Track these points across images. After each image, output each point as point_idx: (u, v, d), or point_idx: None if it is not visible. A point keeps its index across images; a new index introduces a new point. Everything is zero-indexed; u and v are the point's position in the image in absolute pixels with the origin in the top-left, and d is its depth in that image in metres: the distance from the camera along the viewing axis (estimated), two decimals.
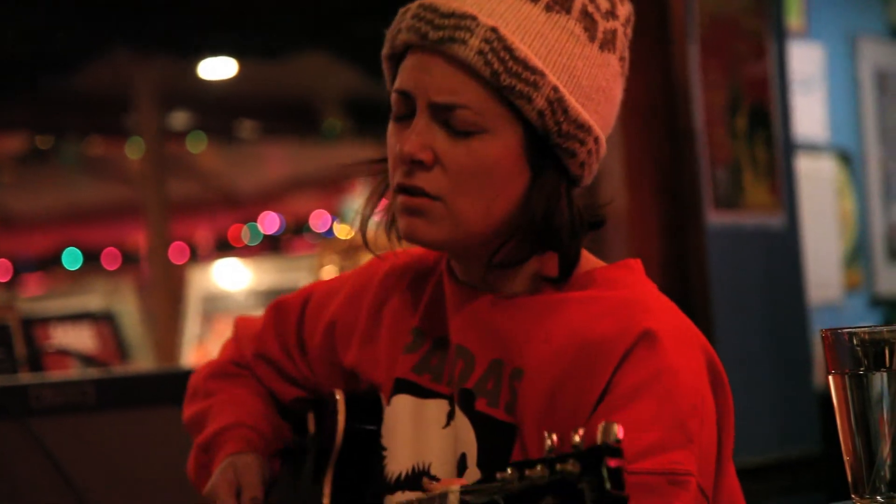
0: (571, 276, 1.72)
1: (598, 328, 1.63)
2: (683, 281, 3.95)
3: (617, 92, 1.75)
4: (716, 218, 4.03)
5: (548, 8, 1.68)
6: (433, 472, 1.72)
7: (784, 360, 4.17)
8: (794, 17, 5.61)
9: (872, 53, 6.10)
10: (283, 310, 1.98)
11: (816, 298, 5.12)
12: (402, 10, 1.72)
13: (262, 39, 6.04)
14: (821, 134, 5.81)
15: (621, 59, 1.75)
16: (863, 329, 1.48)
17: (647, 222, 3.97)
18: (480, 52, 1.64)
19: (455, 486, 1.36)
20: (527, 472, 1.28)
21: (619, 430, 1.23)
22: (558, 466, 1.25)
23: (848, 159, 5.97)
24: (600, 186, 3.89)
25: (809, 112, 5.68)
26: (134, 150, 8.33)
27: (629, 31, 1.77)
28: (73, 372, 3.55)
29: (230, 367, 2.01)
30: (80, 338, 5.59)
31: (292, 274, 6.03)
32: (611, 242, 3.84)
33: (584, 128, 1.68)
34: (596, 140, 1.70)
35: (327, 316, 1.91)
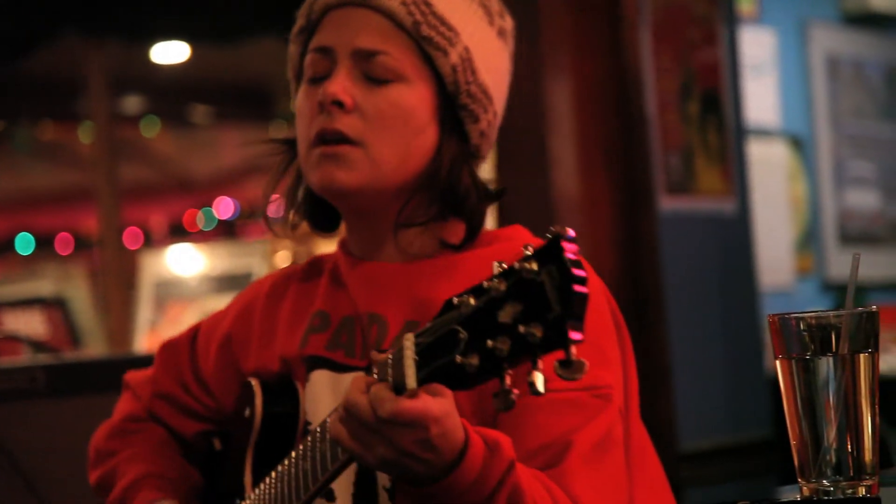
0: (473, 241, 1.78)
1: None
2: (636, 266, 3.96)
3: (507, 81, 1.86)
4: (668, 203, 4.04)
5: None
6: None
7: (735, 345, 4.19)
8: (746, 3, 5.63)
9: (824, 39, 6.13)
10: (173, 347, 2.00)
11: (768, 283, 5.15)
12: None
13: (214, 23, 6.01)
14: (772, 119, 5.84)
15: (511, 56, 1.86)
16: (809, 314, 1.49)
17: (599, 208, 3.98)
18: (403, 3, 1.74)
19: (409, 335, 1.38)
20: (485, 285, 1.30)
21: (568, 230, 1.27)
22: (517, 266, 1.28)
23: (799, 145, 6.00)
24: (552, 172, 3.89)
25: (761, 98, 5.71)
26: (86, 135, 8.27)
27: (511, 43, 1.87)
28: (23, 358, 3.53)
29: (128, 425, 2.00)
30: (30, 323, 5.56)
31: (246, 259, 6.02)
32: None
33: (487, 95, 1.79)
34: (495, 114, 1.82)
35: (219, 336, 1.94)
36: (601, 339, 1.68)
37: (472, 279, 1.67)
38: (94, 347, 5.98)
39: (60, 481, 2.56)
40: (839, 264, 6.06)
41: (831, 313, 1.48)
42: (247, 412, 1.84)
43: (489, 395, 1.62)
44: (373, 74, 1.74)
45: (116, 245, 6.53)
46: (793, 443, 1.49)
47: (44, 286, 6.27)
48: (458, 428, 1.44)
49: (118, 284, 6.34)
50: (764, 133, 5.72)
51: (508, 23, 1.85)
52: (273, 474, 1.73)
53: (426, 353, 1.37)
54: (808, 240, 6.03)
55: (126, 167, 7.91)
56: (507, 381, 1.32)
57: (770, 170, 5.71)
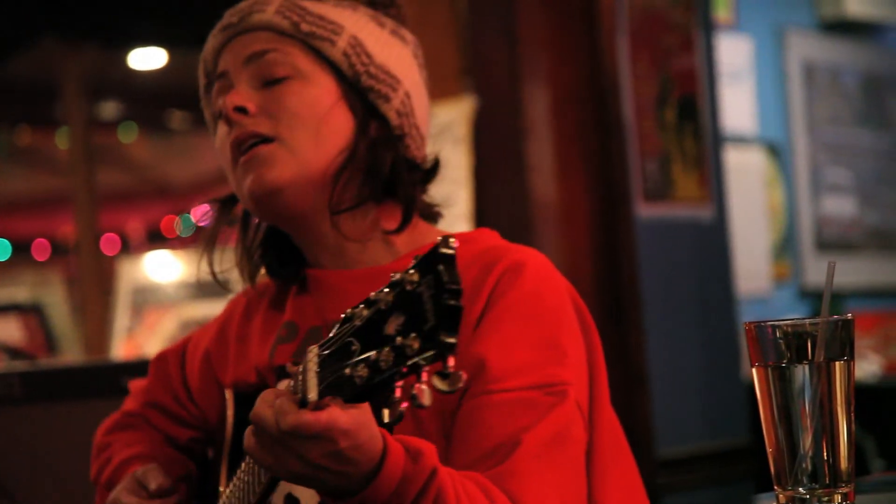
0: (417, 235, 1.81)
1: (467, 276, 1.67)
2: (613, 273, 3.96)
3: (416, 71, 1.87)
4: (645, 210, 4.05)
5: (337, 3, 1.85)
6: None
7: (713, 352, 4.20)
8: (723, 10, 5.65)
9: (800, 46, 6.15)
10: (166, 359, 2.04)
11: (745, 290, 5.16)
12: (207, 41, 1.88)
13: (192, 30, 6.00)
14: (749, 126, 5.85)
15: (415, 59, 1.88)
16: (786, 322, 1.49)
17: (576, 214, 3.98)
18: (278, 12, 1.80)
19: (313, 346, 1.40)
20: (373, 297, 1.32)
21: (453, 241, 1.28)
22: (398, 278, 1.30)
23: (776, 152, 6.01)
24: (529, 177, 3.90)
25: (738, 104, 5.72)
26: (64, 140, 8.25)
27: (419, 53, 1.91)
28: None
29: (125, 419, 2.04)
30: (6, 330, 5.54)
31: (224, 265, 6.00)
32: (540, 234, 3.85)
33: (390, 74, 1.82)
34: (407, 94, 1.83)
35: (200, 352, 1.97)
36: (558, 335, 1.68)
37: None
38: (71, 354, 5.97)
39: (36, 488, 2.56)
40: (816, 271, 6.08)
41: (807, 321, 1.48)
42: (222, 422, 1.85)
43: (449, 412, 1.63)
44: (268, 76, 1.78)
45: (93, 251, 6.51)
46: (769, 450, 1.50)
47: (20, 292, 6.25)
48: (375, 438, 1.43)
49: (95, 291, 6.32)
50: (741, 140, 5.73)
51: (408, 35, 1.90)
52: (230, 486, 1.74)
53: (326, 364, 1.37)
54: (785, 247, 6.05)
55: (103, 173, 7.89)
56: (398, 392, 1.32)
57: (747, 177, 5.72)
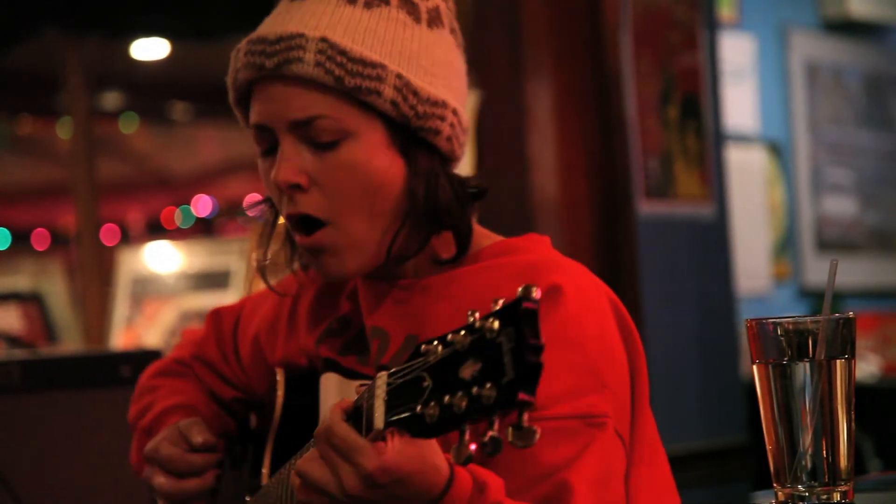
0: (469, 250, 1.76)
1: (505, 291, 1.65)
2: (614, 270, 3.96)
3: (459, 63, 1.80)
4: (647, 207, 4.05)
5: (367, 5, 1.73)
6: None
7: (712, 350, 4.20)
8: (726, 8, 5.65)
9: (803, 45, 6.15)
10: (221, 317, 2.03)
11: (745, 289, 5.16)
12: (233, 53, 1.78)
13: (194, 21, 5.99)
14: (751, 125, 5.85)
15: (452, 31, 1.80)
16: (787, 319, 1.49)
17: (578, 211, 3.98)
18: (318, 64, 1.68)
19: (382, 373, 1.39)
20: (449, 338, 1.31)
21: (536, 291, 1.26)
22: (477, 325, 1.28)
23: (778, 150, 6.01)
24: (532, 174, 3.90)
25: (740, 103, 5.72)
26: (65, 130, 8.24)
27: (451, 4, 1.82)
28: None
29: (173, 366, 2.03)
30: (6, 318, 5.54)
31: (224, 257, 6.01)
32: (542, 231, 3.84)
33: (438, 104, 1.73)
34: (454, 112, 1.75)
35: (252, 330, 1.96)
36: (598, 363, 1.65)
37: (470, 296, 1.69)
38: (71, 343, 5.96)
39: (35, 477, 2.56)
40: (816, 271, 6.08)
41: (808, 319, 1.48)
42: (271, 401, 1.86)
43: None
44: (317, 140, 1.69)
45: (94, 241, 6.51)
46: (769, 448, 1.50)
47: (20, 281, 6.25)
48: (440, 468, 1.44)
49: (95, 281, 6.32)
50: (743, 138, 5.73)
51: (445, 16, 1.80)
52: (273, 478, 1.74)
53: (395, 394, 1.37)
54: (786, 246, 6.05)
55: (104, 163, 7.89)
56: (466, 435, 1.32)
57: (748, 175, 5.72)
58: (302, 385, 1.83)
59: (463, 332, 1.30)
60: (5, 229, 11.29)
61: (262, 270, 1.85)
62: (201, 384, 2.00)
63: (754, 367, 1.51)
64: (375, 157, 1.70)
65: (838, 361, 1.47)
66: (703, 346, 4.17)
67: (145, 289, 6.06)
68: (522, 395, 1.25)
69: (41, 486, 2.54)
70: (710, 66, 4.31)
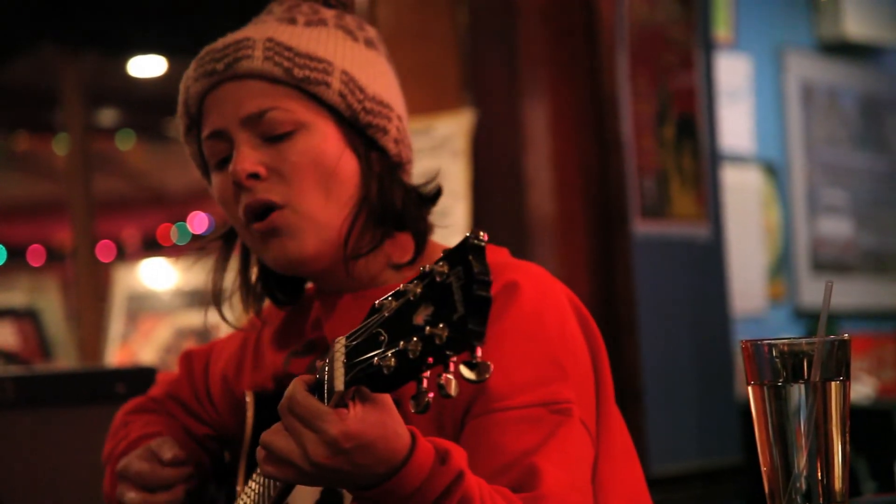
0: (423, 256, 1.80)
1: None
2: (609, 289, 3.96)
3: (396, 83, 1.86)
4: (642, 227, 4.05)
5: (307, 24, 1.80)
6: None
7: (707, 371, 4.20)
8: (723, 29, 5.66)
9: (799, 66, 6.16)
10: (192, 358, 2.05)
11: (740, 309, 5.16)
12: (182, 83, 1.85)
13: (191, 38, 6.01)
14: (747, 145, 5.86)
15: (387, 59, 1.87)
16: (782, 341, 1.50)
17: (574, 230, 3.98)
18: (267, 59, 1.76)
19: (340, 338, 1.41)
20: (402, 288, 1.33)
21: (483, 234, 1.30)
22: (427, 269, 1.31)
23: (773, 171, 6.02)
24: (528, 193, 3.90)
25: (736, 123, 5.73)
26: (61, 147, 8.25)
27: (383, 47, 1.89)
28: None
29: (148, 403, 2.06)
30: (1, 334, 5.54)
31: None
32: (538, 250, 3.85)
33: (384, 104, 1.80)
34: (399, 118, 1.82)
35: (219, 368, 1.98)
36: (559, 354, 1.68)
37: None
38: (65, 359, 5.96)
39: (29, 493, 2.55)
40: (811, 292, 6.08)
41: (804, 340, 1.49)
42: (241, 423, 1.87)
43: (448, 415, 1.63)
44: (271, 133, 1.75)
45: (89, 258, 6.51)
46: (763, 469, 1.50)
47: (15, 297, 6.25)
48: (401, 435, 1.45)
49: (90, 297, 6.32)
50: (738, 159, 5.74)
51: (371, 32, 1.87)
52: (246, 489, 1.74)
53: (353, 354, 1.39)
54: (781, 267, 6.05)
55: (100, 180, 7.89)
56: (424, 383, 1.34)
57: (744, 196, 5.73)
58: (271, 405, 1.84)
59: (415, 281, 1.33)
60: (1, 245, 11.29)
61: (216, 301, 1.88)
62: (174, 420, 2.01)
63: (749, 389, 1.51)
64: (329, 149, 1.75)
65: (833, 383, 1.47)
66: (698, 367, 4.17)
67: (140, 305, 6.05)
68: (473, 327, 1.27)
69: (34, 502, 2.54)
70: (706, 86, 4.32)
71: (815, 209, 6.23)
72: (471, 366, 1.30)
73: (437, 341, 1.29)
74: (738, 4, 5.82)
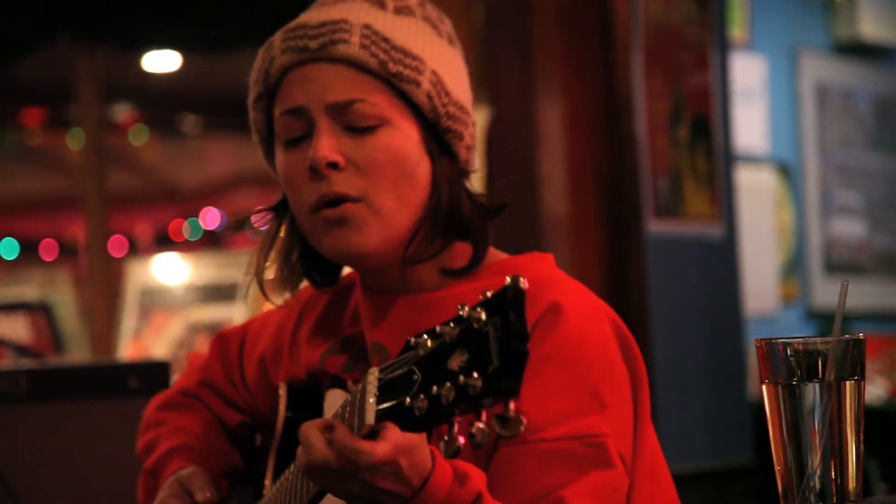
0: (480, 265, 1.76)
1: None
2: (622, 288, 3.96)
3: (469, 82, 1.83)
4: (655, 226, 4.05)
5: (397, 11, 1.76)
6: None
7: (719, 370, 4.20)
8: (738, 29, 5.65)
9: (814, 67, 6.15)
10: (227, 340, 2.02)
11: (753, 310, 5.16)
12: (264, 47, 1.78)
13: (206, 34, 6.01)
14: (761, 146, 5.85)
15: (463, 57, 1.83)
16: (797, 340, 1.49)
17: (587, 229, 3.98)
18: (363, 46, 1.71)
19: (374, 369, 1.41)
20: (438, 330, 1.32)
21: (523, 281, 1.28)
22: (465, 315, 1.30)
23: (787, 172, 6.02)
24: (541, 192, 3.90)
25: (750, 124, 5.72)
26: (75, 141, 8.26)
27: (459, 42, 1.85)
28: (7, 362, 3.52)
29: (178, 398, 2.02)
30: (14, 328, 5.55)
31: (231, 270, 6.01)
32: (551, 248, 3.85)
33: (464, 109, 1.77)
34: (474, 124, 1.79)
35: (257, 352, 1.96)
36: (598, 383, 1.65)
37: None
38: (78, 353, 5.97)
39: (40, 486, 2.56)
40: (824, 293, 6.07)
41: (818, 339, 1.48)
42: (273, 416, 1.87)
43: (483, 452, 1.62)
44: (354, 124, 1.71)
45: (102, 252, 6.52)
46: (777, 468, 1.50)
47: (29, 291, 6.26)
48: (427, 457, 1.45)
49: (103, 292, 6.34)
50: (752, 159, 5.73)
51: (449, 25, 1.83)
52: (276, 485, 1.74)
53: (385, 390, 1.38)
54: (794, 267, 6.04)
55: (114, 175, 7.90)
56: (455, 428, 1.33)
57: (757, 196, 5.72)
58: (304, 399, 1.83)
59: (452, 324, 1.32)
60: (14, 239, 11.31)
61: (260, 282, 1.85)
62: (206, 415, 1.99)
63: (763, 387, 1.51)
64: (408, 149, 1.72)
65: (848, 383, 1.47)
66: (710, 367, 4.17)
67: (153, 300, 6.06)
68: (508, 381, 1.27)
69: (47, 496, 2.54)
70: (720, 86, 4.31)
71: (829, 210, 6.22)
72: (503, 420, 1.30)
73: (471, 392, 1.28)
74: (753, 5, 5.82)
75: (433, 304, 1.74)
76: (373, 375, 1.40)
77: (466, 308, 1.31)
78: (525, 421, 1.31)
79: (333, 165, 1.69)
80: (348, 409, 1.45)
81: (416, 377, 1.34)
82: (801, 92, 6.11)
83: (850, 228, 6.33)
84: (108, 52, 6.44)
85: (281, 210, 1.84)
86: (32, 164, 10.05)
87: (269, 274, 1.86)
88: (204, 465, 1.91)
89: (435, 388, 1.31)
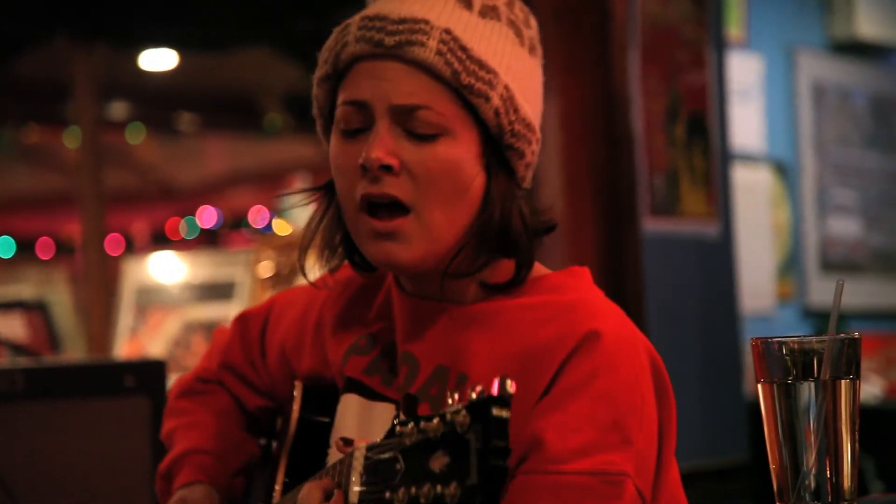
0: (522, 284, 1.72)
1: (543, 333, 1.64)
2: (619, 287, 3.96)
3: (542, 93, 1.80)
4: (652, 225, 4.05)
5: (482, 14, 1.71)
6: None
7: (715, 369, 4.20)
8: (734, 28, 5.65)
9: (810, 66, 6.16)
10: (248, 322, 2.00)
11: (749, 308, 5.16)
12: (340, 28, 1.73)
13: (203, 32, 6.01)
14: (757, 144, 5.85)
15: (542, 65, 1.80)
16: (792, 339, 1.50)
17: (584, 228, 3.98)
18: (439, 53, 1.65)
19: (362, 444, 1.41)
20: (422, 425, 1.31)
21: (511, 385, 1.26)
22: (449, 417, 1.28)
23: (784, 171, 6.02)
24: (538, 191, 3.90)
25: (747, 122, 5.73)
26: (72, 140, 8.26)
27: (540, 48, 1.82)
28: (3, 361, 3.52)
29: (196, 385, 2.01)
30: (11, 326, 5.55)
31: (228, 268, 6.00)
32: (547, 247, 3.84)
33: (530, 127, 1.73)
34: (538, 141, 1.75)
35: (279, 336, 1.93)
36: (624, 418, 1.61)
37: (510, 332, 1.66)
38: (74, 352, 5.97)
39: (36, 485, 2.56)
40: (820, 291, 6.08)
41: (814, 338, 1.48)
42: (287, 414, 1.86)
43: None
44: (415, 130, 1.65)
45: (98, 251, 6.52)
46: (772, 467, 1.50)
47: (25, 289, 6.26)
48: None
49: (99, 290, 6.33)
50: (749, 158, 5.74)
51: (534, 29, 1.80)
52: (285, 498, 1.74)
53: (371, 470, 1.38)
54: (790, 266, 6.05)
55: (110, 173, 7.90)
56: None
57: (754, 195, 5.73)
58: (319, 401, 1.83)
59: (436, 420, 1.30)
60: (10, 238, 11.31)
61: (301, 263, 1.81)
62: (224, 403, 1.98)
63: (759, 386, 1.51)
64: (466, 163, 1.67)
65: (843, 381, 1.47)
66: (707, 365, 4.17)
67: (149, 299, 6.06)
68: (483, 500, 1.26)
69: (43, 494, 2.54)
70: (717, 85, 4.31)
71: (825, 209, 6.23)
72: None
73: (448, 501, 1.27)
74: (750, 4, 5.82)
75: (473, 318, 1.71)
76: (360, 452, 1.40)
77: (451, 405, 1.30)
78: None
79: (387, 168, 1.65)
80: (337, 476, 1.45)
81: (399, 466, 1.33)
82: (797, 91, 6.11)
83: (847, 227, 6.33)
84: (105, 50, 6.43)
85: (328, 191, 1.79)
86: (29, 162, 10.04)
87: (312, 254, 1.82)
88: (217, 466, 1.90)
89: (414, 488, 1.30)
